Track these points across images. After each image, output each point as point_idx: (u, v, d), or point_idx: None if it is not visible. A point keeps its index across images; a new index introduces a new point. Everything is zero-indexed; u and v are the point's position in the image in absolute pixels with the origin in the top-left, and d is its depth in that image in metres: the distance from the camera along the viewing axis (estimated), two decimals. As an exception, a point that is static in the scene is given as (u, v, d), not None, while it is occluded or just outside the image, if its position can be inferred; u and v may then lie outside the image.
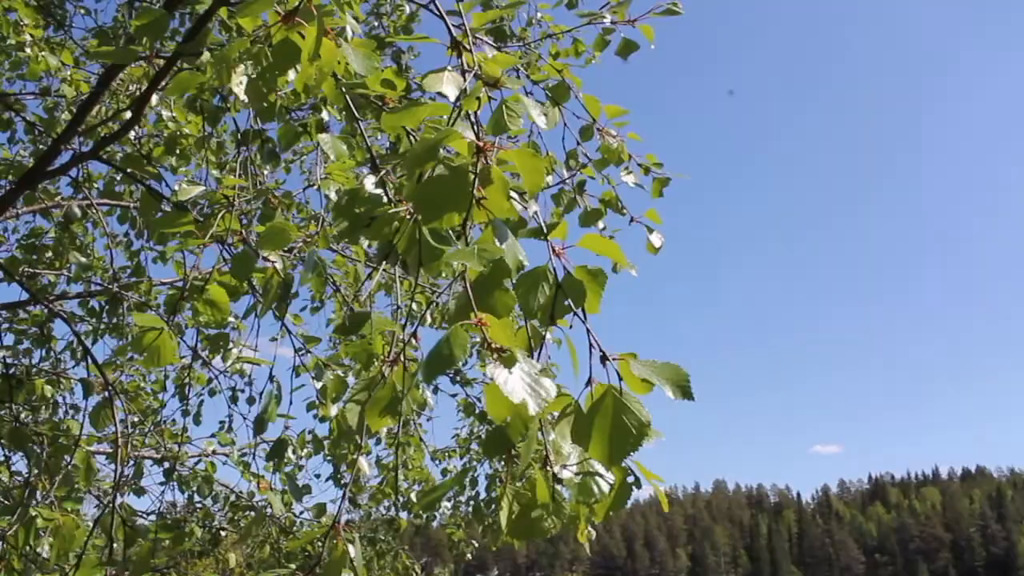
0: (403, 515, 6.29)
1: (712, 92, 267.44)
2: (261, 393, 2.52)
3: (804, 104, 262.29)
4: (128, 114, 2.95)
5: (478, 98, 1.44)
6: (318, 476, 5.47)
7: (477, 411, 5.72)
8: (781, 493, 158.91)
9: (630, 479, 1.39)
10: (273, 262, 2.21)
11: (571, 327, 1.37)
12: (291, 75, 1.48)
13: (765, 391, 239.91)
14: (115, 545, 2.98)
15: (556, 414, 1.34)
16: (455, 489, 6.56)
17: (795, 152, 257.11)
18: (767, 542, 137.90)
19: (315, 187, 3.50)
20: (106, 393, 3.45)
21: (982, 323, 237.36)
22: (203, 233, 2.23)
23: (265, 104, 2.25)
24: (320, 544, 1.86)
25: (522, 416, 1.19)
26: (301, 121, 2.95)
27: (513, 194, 1.39)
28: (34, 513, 3.07)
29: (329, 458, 4.33)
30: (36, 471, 3.73)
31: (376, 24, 5.08)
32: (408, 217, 1.39)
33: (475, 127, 1.43)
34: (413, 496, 6.07)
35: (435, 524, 7.09)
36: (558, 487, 1.36)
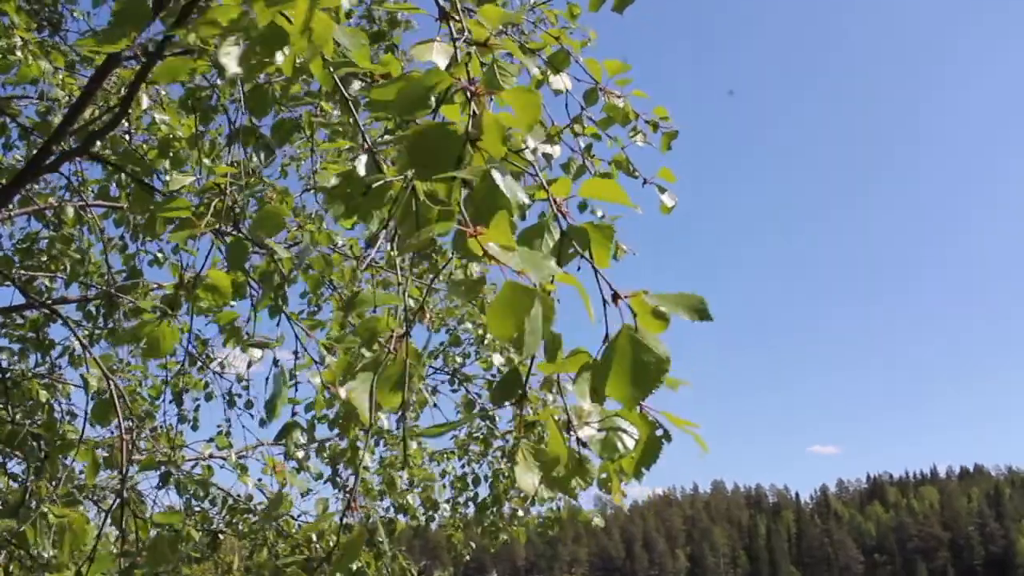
0: (401, 517, 6.27)
1: (709, 83, 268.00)
2: (267, 378, 2.50)
3: (801, 94, 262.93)
4: (117, 111, 2.92)
5: (468, 57, 1.41)
6: (319, 477, 5.46)
7: (477, 408, 5.70)
8: (780, 493, 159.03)
9: (658, 432, 1.35)
10: (270, 248, 2.19)
11: (579, 268, 1.32)
12: (279, 57, 1.45)
13: (763, 392, 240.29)
14: (128, 537, 2.98)
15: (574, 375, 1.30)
16: (455, 488, 6.53)
17: (792, 143, 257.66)
18: (766, 542, 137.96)
19: (312, 191, 3.48)
20: (107, 385, 3.43)
21: (980, 322, 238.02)
22: (198, 222, 2.20)
23: (258, 81, 2.22)
24: (316, 542, 1.85)
25: (533, 327, 1.12)
26: (295, 121, 2.94)
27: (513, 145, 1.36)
28: (44, 510, 3.07)
29: (327, 459, 4.32)
30: (34, 473, 3.72)
31: (368, 28, 5.06)
32: (404, 186, 1.36)
33: (467, 76, 1.39)
34: (410, 498, 6.05)
35: (434, 526, 7.07)
36: (584, 452, 1.33)
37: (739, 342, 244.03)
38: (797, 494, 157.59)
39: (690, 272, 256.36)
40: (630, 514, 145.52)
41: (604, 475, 1.39)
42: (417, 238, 1.25)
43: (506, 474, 6.06)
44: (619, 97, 3.17)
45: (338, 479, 5.38)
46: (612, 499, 1.46)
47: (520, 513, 6.37)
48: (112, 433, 3.95)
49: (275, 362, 2.61)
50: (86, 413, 3.51)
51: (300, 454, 4.49)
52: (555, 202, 1.36)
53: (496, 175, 1.25)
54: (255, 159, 3.04)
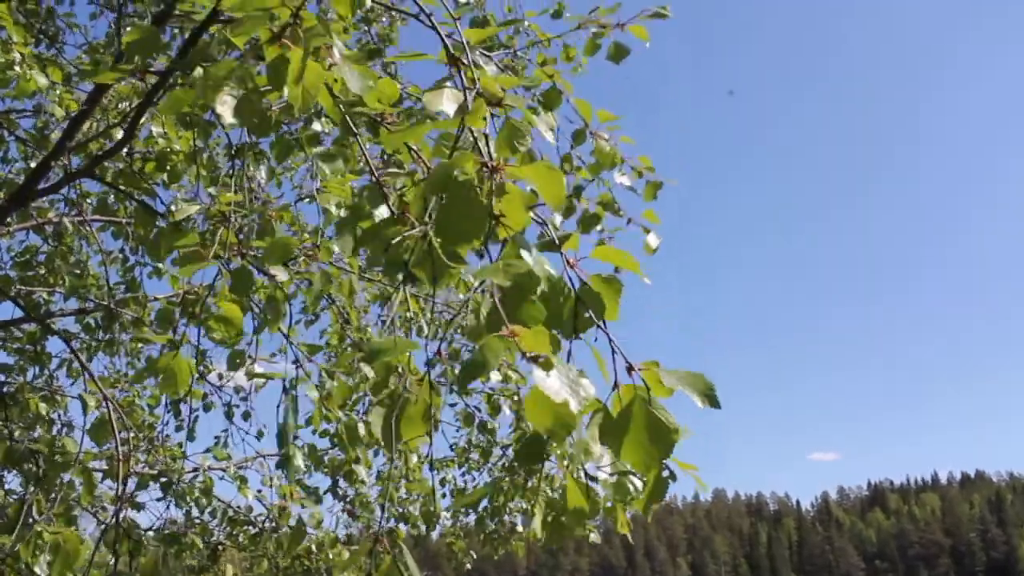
0: (402, 526, 6.27)
1: (708, 84, 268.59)
2: (278, 406, 2.54)
3: (801, 94, 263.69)
4: (120, 133, 2.94)
5: (484, 118, 1.45)
6: (316, 490, 5.46)
7: (476, 421, 5.71)
8: (780, 501, 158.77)
9: (665, 473, 1.44)
10: (274, 276, 2.22)
11: (596, 340, 1.40)
12: (285, 92, 1.49)
13: (763, 398, 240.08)
14: (119, 559, 2.98)
15: (587, 418, 1.36)
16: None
17: (792, 143, 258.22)
18: (767, 550, 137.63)
19: (306, 200, 3.49)
20: (104, 407, 3.44)
21: (981, 324, 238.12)
22: (205, 253, 2.23)
23: (256, 121, 2.24)
24: (316, 553, 1.87)
25: (564, 420, 1.20)
26: (294, 135, 2.95)
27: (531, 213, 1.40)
28: (39, 529, 3.06)
29: (326, 471, 4.32)
30: (32, 489, 3.71)
31: (366, 29, 5.10)
32: (421, 236, 1.41)
33: (485, 145, 1.45)
34: (412, 508, 6.05)
35: (434, 536, 7.07)
36: (592, 485, 1.39)
37: (738, 344, 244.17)
38: (798, 501, 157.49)
39: (690, 272, 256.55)
40: (631, 523, 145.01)
41: (609, 503, 1.46)
42: (445, 298, 1.31)
43: (505, 486, 6.06)
44: (607, 140, 3.26)
45: (338, 490, 5.38)
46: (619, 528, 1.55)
47: (519, 528, 6.38)
48: (110, 446, 3.95)
49: (285, 390, 2.65)
50: (83, 429, 3.51)
51: (302, 469, 4.49)
52: (568, 263, 1.42)
53: (523, 251, 1.33)
54: (256, 178, 3.06)
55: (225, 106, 1.42)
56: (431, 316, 5.16)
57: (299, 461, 2.76)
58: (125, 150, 4.23)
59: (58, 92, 4.65)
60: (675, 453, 1.38)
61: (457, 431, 6.14)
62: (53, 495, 3.48)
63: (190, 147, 4.00)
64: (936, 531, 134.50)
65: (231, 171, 3.03)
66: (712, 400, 1.28)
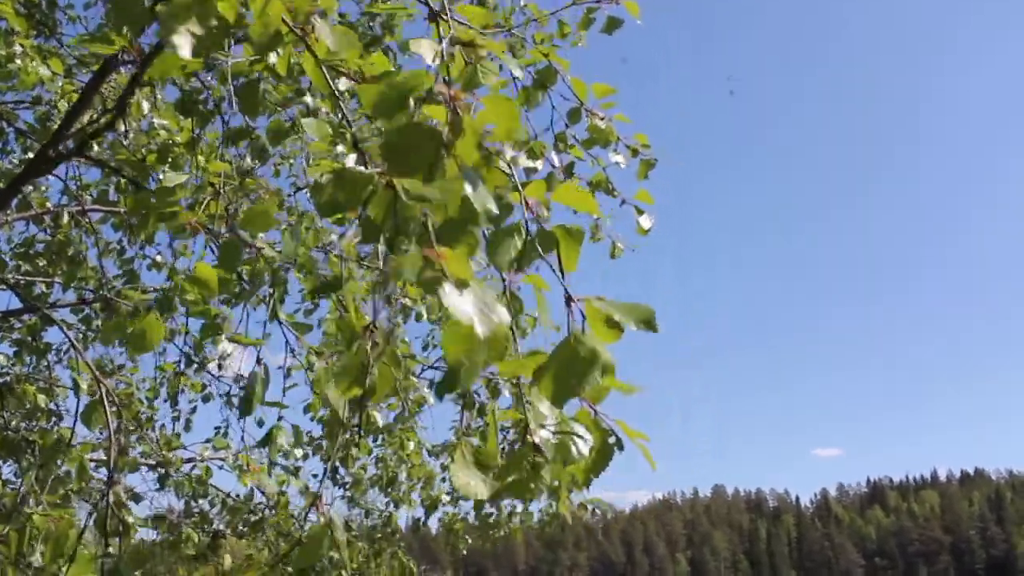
0: (400, 513, 6.28)
1: (707, 80, 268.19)
2: (248, 376, 2.50)
3: (800, 94, 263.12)
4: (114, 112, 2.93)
5: (451, 56, 1.42)
6: (315, 476, 5.47)
7: (476, 404, 5.70)
8: (780, 497, 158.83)
9: (611, 440, 1.36)
10: (259, 248, 2.20)
11: (551, 289, 1.35)
12: (272, 58, 1.48)
13: (763, 394, 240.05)
14: (109, 541, 2.97)
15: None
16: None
17: (792, 143, 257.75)
18: (766, 546, 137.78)
19: (304, 190, 3.49)
20: (97, 392, 3.44)
21: (981, 323, 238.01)
22: (189, 217, 2.19)
23: (251, 78, 2.23)
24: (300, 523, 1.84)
25: (472, 348, 1.14)
26: (290, 125, 2.95)
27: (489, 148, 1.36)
28: (30, 512, 3.06)
29: (326, 459, 4.33)
30: (30, 478, 3.73)
31: (370, 24, 5.09)
32: (380, 180, 1.36)
33: (447, 79, 1.40)
34: (413, 495, 6.05)
35: (433, 529, 7.07)
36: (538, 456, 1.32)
37: (739, 343, 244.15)
38: (797, 498, 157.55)
39: (691, 272, 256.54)
40: (630, 518, 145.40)
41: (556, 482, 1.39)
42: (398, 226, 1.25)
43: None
44: (602, 119, 3.22)
45: (338, 476, 5.39)
46: (562, 510, 1.48)
47: (518, 510, 6.36)
48: (100, 436, 3.97)
49: (258, 360, 2.62)
50: (75, 415, 3.51)
51: (299, 452, 4.50)
52: (527, 204, 1.38)
53: (468, 185, 1.26)
54: (249, 160, 3.06)
55: (183, 39, 1.41)
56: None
57: (282, 440, 2.75)
58: (126, 141, 4.25)
59: (59, 84, 4.66)
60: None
61: (456, 414, 6.10)
62: (47, 483, 3.49)
63: (190, 137, 4.02)
64: (935, 528, 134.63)
65: (222, 151, 3.02)
66: (650, 325, 1.24)
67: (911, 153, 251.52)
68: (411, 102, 1.34)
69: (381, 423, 3.95)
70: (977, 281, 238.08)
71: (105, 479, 3.79)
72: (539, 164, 2.47)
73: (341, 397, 1.46)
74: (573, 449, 1.33)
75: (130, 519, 3.22)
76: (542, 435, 1.34)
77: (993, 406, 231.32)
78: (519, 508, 6.29)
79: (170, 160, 4.13)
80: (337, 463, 4.78)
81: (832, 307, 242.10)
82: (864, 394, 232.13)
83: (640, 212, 3.41)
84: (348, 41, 1.59)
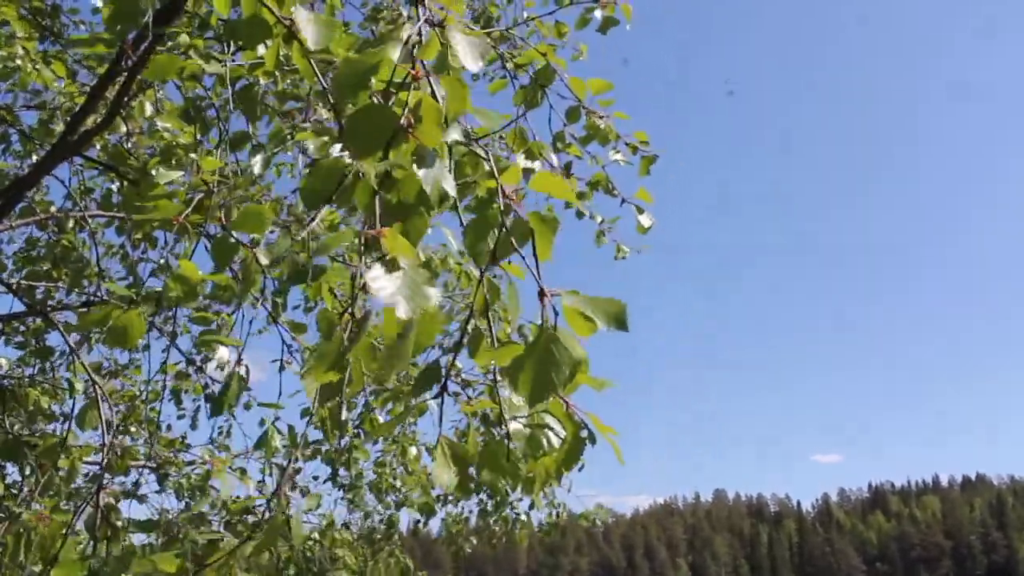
0: (402, 515, 6.27)
1: (706, 79, 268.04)
2: (228, 375, 2.47)
3: (800, 95, 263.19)
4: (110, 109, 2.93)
5: (419, 39, 1.39)
6: (316, 478, 5.47)
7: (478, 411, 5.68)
8: (781, 502, 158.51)
9: (583, 433, 1.34)
10: (251, 246, 2.16)
11: (524, 279, 1.32)
12: (260, 49, 1.47)
13: (763, 399, 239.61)
14: (99, 543, 2.95)
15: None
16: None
17: (793, 143, 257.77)
18: (767, 551, 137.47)
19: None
20: (93, 389, 3.43)
21: (982, 326, 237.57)
22: (178, 209, 2.15)
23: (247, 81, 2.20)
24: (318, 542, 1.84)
25: (404, 335, 1.12)
26: (291, 124, 2.96)
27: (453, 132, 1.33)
28: (18, 512, 3.04)
29: (328, 461, 4.34)
30: (31, 482, 3.73)
31: (373, 29, 5.11)
32: (350, 167, 1.32)
33: (411, 59, 1.36)
34: (413, 495, 6.03)
35: (434, 533, 7.06)
36: (512, 446, 1.30)
37: (738, 347, 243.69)
38: (799, 503, 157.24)
39: (691, 271, 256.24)
40: (631, 523, 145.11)
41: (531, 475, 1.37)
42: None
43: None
44: (601, 117, 3.20)
45: (338, 479, 5.38)
46: (536, 502, 1.43)
47: (523, 517, 6.35)
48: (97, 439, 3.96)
49: (239, 361, 2.59)
50: (69, 417, 3.49)
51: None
52: (503, 192, 1.35)
53: (418, 168, 1.24)
54: (252, 167, 3.06)
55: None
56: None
57: (276, 442, 2.73)
58: (123, 131, 4.25)
59: (62, 86, 4.67)
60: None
61: (457, 413, 6.07)
62: (45, 486, 3.48)
63: (193, 140, 4.03)
64: (937, 534, 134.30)
65: (223, 153, 3.03)
66: (620, 323, 1.22)
67: (910, 153, 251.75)
68: (371, 81, 1.31)
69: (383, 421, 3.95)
70: (978, 283, 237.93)
71: (106, 481, 3.79)
72: (537, 165, 2.46)
73: (315, 383, 1.43)
74: (544, 441, 1.31)
75: (119, 523, 3.20)
76: (513, 427, 1.32)
77: (995, 411, 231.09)
78: (523, 515, 6.28)
79: (173, 162, 4.15)
80: (338, 465, 4.78)
81: (832, 308, 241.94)
82: (865, 396, 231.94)
83: (640, 211, 3.41)
84: (330, 33, 1.57)
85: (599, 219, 3.71)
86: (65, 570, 2.65)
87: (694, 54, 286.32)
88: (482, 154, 1.47)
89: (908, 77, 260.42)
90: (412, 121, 1.25)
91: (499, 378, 1.35)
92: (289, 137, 2.56)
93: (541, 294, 1.21)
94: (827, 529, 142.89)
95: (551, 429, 1.33)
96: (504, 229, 1.32)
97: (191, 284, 2.23)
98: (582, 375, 1.23)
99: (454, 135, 1.36)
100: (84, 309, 5.31)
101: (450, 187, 1.27)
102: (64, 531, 2.96)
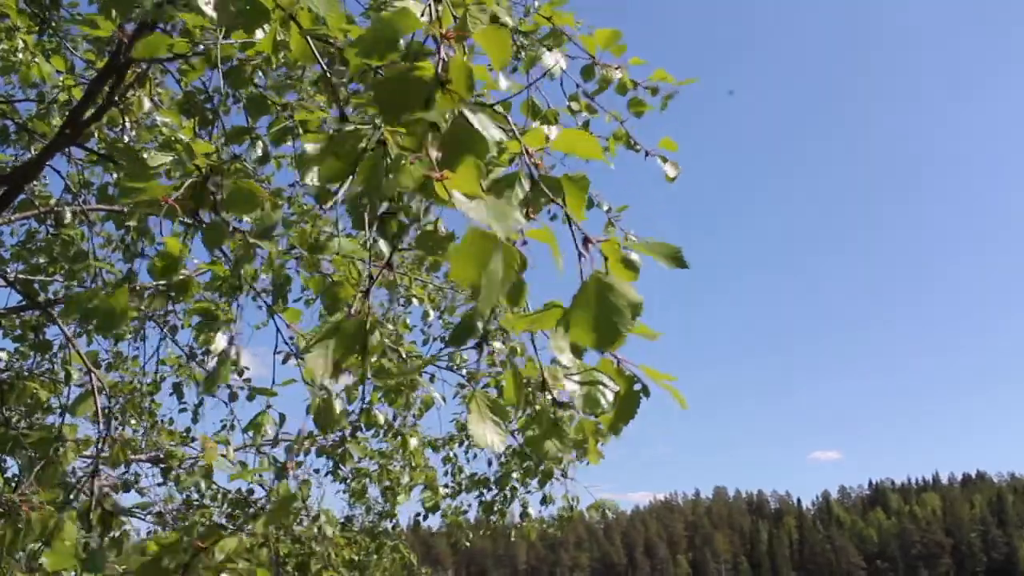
0: (400, 511, 6.25)
1: (710, 85, 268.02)
2: (221, 352, 2.45)
3: (802, 117, 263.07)
4: (122, 114, 2.92)
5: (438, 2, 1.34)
6: (317, 471, 5.46)
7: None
8: (782, 499, 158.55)
9: (637, 386, 1.30)
10: (241, 230, 2.14)
11: (553, 217, 1.29)
12: (259, 34, 1.46)
13: (765, 397, 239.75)
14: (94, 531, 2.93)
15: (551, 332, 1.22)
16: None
17: (800, 158, 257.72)
18: (768, 548, 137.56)
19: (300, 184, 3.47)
20: (89, 383, 3.42)
21: (982, 325, 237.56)
22: (166, 191, 2.11)
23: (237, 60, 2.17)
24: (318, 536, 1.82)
25: (490, 271, 1.04)
26: (290, 118, 2.94)
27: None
28: (10, 499, 3.03)
29: (323, 454, 4.31)
30: (29, 474, 3.72)
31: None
32: (372, 136, 1.28)
33: (437, 20, 1.30)
34: (415, 491, 6.01)
35: (436, 524, 7.06)
36: (559, 410, 1.28)
37: (742, 346, 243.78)
38: (799, 500, 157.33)
39: (691, 273, 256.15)
40: (632, 519, 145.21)
41: (581, 436, 1.35)
42: (385, 188, 1.18)
43: (509, 471, 6.04)
44: (616, 68, 3.07)
45: (339, 472, 5.37)
46: (590, 460, 1.42)
47: (531, 512, 6.30)
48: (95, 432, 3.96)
49: (231, 340, 2.57)
50: (63, 408, 3.47)
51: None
52: (527, 152, 1.31)
53: (467, 111, 1.19)
54: (249, 158, 3.05)
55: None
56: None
57: (267, 426, 2.71)
58: (127, 139, 4.25)
59: (61, 79, 4.67)
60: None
61: (459, 405, 6.03)
62: (33, 472, 3.47)
63: (192, 134, 4.02)
64: (937, 531, 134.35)
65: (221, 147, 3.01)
66: (679, 261, 1.19)
67: (913, 170, 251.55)
68: (401, 42, 1.28)
69: (381, 419, 3.94)
70: (978, 282, 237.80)
71: (109, 474, 3.78)
72: (554, 131, 2.40)
73: (320, 363, 1.40)
74: (601, 398, 1.28)
75: (110, 508, 3.18)
76: (569, 387, 1.29)
77: (994, 407, 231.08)
78: (530, 509, 6.24)
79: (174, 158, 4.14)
80: (334, 458, 4.76)
81: (833, 310, 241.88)
82: (865, 397, 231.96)
83: (665, 160, 3.23)
84: (334, 4, 1.55)
85: (605, 207, 3.65)
86: (58, 556, 2.62)
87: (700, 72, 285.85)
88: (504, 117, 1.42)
89: (914, 106, 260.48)
90: (446, 79, 1.20)
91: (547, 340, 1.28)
92: (290, 130, 2.54)
93: (586, 241, 1.16)
94: (827, 526, 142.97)
95: (605, 386, 1.30)
96: (534, 184, 1.28)
97: (173, 258, 2.19)
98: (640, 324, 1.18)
99: (504, 84, 1.31)
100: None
101: (498, 133, 1.21)
102: (55, 517, 2.93)
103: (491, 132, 1.20)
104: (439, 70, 1.19)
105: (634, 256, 1.18)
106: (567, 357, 1.20)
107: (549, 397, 1.31)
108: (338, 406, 2.11)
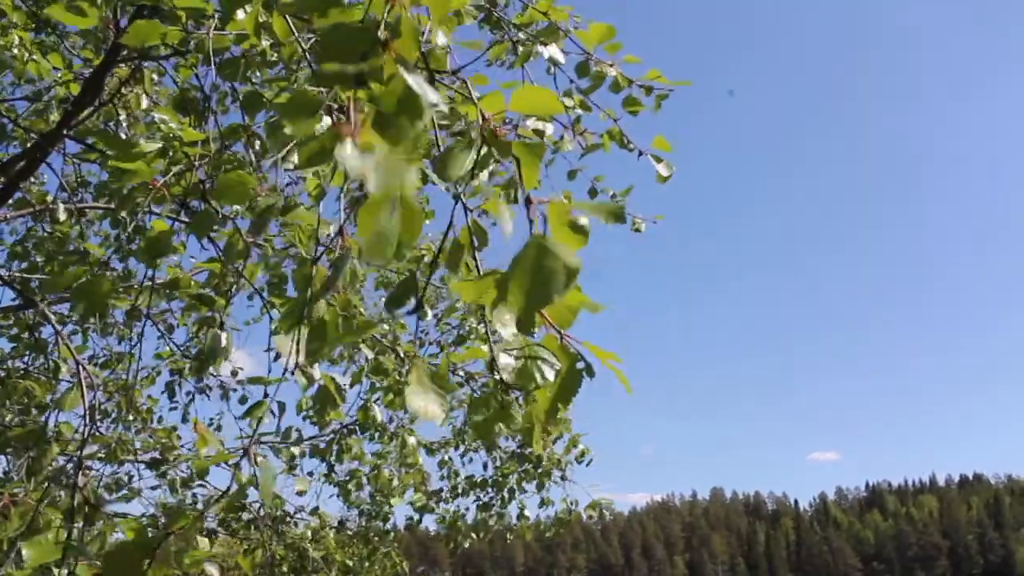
0: (394, 512, 6.23)
1: (710, 87, 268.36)
2: (211, 336, 2.42)
3: (803, 117, 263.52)
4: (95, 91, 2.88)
5: None
6: (311, 474, 5.44)
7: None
8: (779, 501, 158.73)
9: (580, 365, 1.24)
10: (233, 219, 2.11)
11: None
12: (240, 15, 1.43)
13: (764, 397, 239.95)
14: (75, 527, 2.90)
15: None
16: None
17: (798, 157, 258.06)
18: (765, 550, 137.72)
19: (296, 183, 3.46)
20: (77, 371, 3.38)
21: (982, 325, 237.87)
22: (153, 174, 2.08)
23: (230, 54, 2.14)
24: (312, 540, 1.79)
25: (386, 232, 1.01)
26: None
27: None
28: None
29: (323, 459, 4.31)
30: (21, 471, 3.70)
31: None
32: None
33: None
34: (409, 495, 6.00)
35: (432, 530, 7.04)
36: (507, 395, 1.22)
37: (742, 346, 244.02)
38: (796, 502, 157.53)
39: (691, 272, 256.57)
40: (629, 521, 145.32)
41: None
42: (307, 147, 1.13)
43: (507, 473, 6.03)
44: (610, 65, 3.05)
45: (333, 475, 5.36)
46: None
47: (528, 514, 6.29)
48: (83, 425, 3.93)
49: (221, 325, 2.54)
50: (51, 404, 3.45)
51: (296, 451, 4.46)
52: (483, 116, 1.26)
53: (403, 70, 1.14)
54: (249, 158, 3.03)
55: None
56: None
57: (263, 414, 2.69)
58: (124, 135, 4.23)
59: (59, 76, 4.65)
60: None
61: (454, 410, 6.01)
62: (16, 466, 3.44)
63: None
64: (934, 533, 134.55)
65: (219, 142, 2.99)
66: (618, 216, 1.15)
67: (913, 170, 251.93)
68: None
69: (379, 417, 3.92)
70: (978, 283, 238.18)
71: (102, 480, 3.75)
72: (549, 127, 2.34)
73: (285, 336, 1.36)
74: (537, 374, 1.23)
75: (91, 499, 3.15)
76: (503, 361, 1.24)
77: (992, 409, 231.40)
78: (526, 511, 6.23)
79: (170, 155, 4.12)
80: (328, 457, 4.74)
81: (830, 311, 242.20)
82: (862, 398, 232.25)
83: (658, 160, 3.21)
84: None
85: (611, 192, 3.61)
86: (40, 549, 2.59)
87: (696, 75, 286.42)
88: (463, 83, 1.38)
89: (913, 107, 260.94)
90: (390, 36, 1.16)
91: (487, 314, 1.23)
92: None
93: (528, 200, 1.13)
94: (824, 528, 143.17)
95: (544, 361, 1.24)
96: (483, 144, 1.23)
97: (161, 240, 2.16)
98: (576, 295, 1.15)
99: (442, 39, 1.28)
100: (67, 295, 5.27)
101: (433, 96, 1.16)
102: (34, 509, 2.89)
103: (427, 95, 1.15)
104: (383, 26, 1.16)
105: (583, 220, 1.14)
106: (510, 331, 1.16)
107: (497, 377, 1.24)
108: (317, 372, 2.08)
